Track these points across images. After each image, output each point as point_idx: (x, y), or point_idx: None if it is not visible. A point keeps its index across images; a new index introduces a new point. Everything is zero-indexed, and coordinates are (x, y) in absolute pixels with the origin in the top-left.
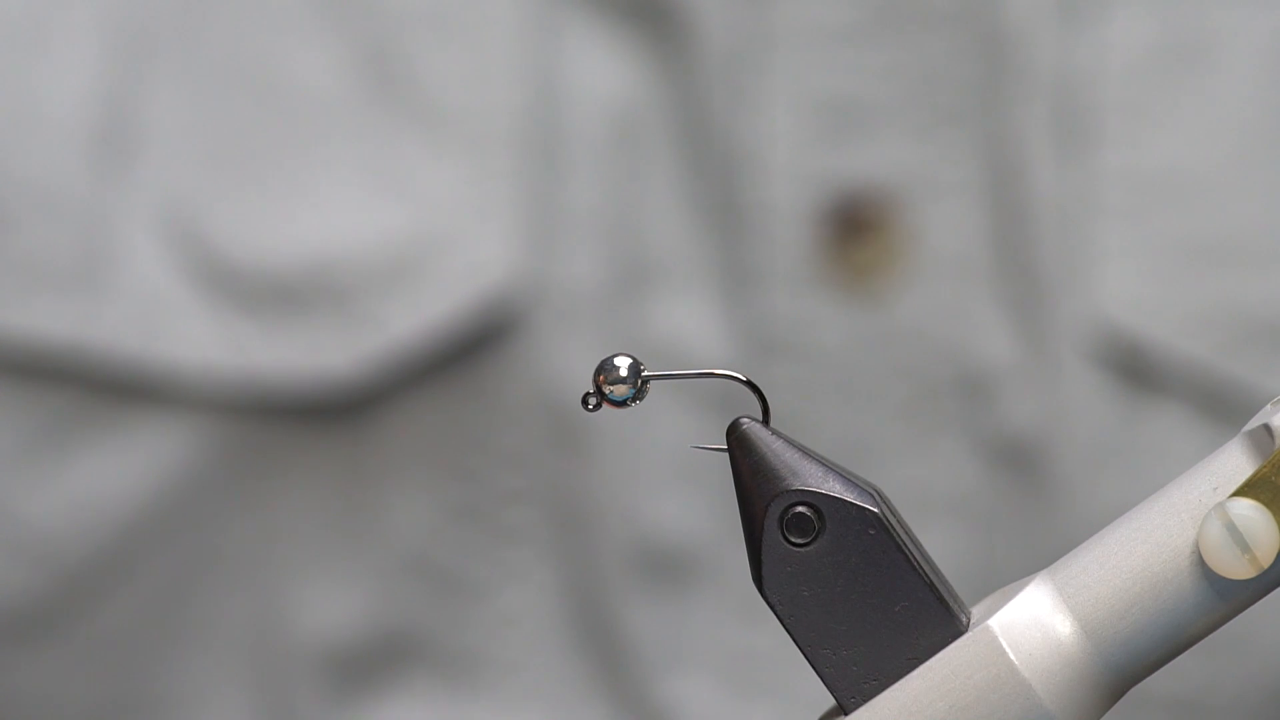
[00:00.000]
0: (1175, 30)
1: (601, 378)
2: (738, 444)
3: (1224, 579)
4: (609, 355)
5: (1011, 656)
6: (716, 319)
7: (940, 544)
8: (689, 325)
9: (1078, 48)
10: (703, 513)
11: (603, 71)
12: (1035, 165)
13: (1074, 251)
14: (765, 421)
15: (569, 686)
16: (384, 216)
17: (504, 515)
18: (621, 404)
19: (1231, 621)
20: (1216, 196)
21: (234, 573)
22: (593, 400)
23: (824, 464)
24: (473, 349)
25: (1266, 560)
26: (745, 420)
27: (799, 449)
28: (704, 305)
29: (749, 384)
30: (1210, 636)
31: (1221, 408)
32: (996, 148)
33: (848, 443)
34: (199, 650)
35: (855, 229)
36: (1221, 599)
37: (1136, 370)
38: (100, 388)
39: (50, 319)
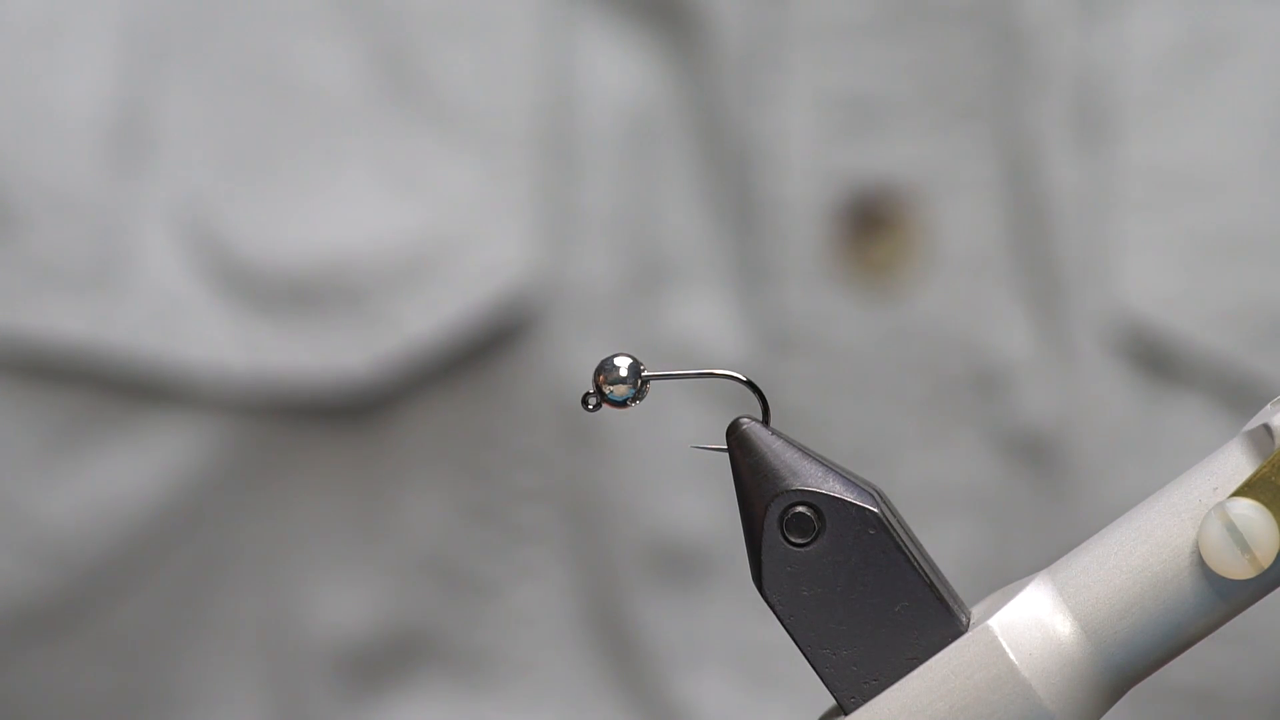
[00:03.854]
0: (1196, 26)
1: (601, 378)
2: (738, 444)
3: (1224, 579)
4: (609, 355)
5: (1011, 656)
6: (732, 316)
7: (956, 539)
8: (704, 322)
9: (1098, 43)
10: (717, 510)
11: (618, 70)
12: (1052, 160)
13: (1094, 245)
14: (765, 421)
15: (583, 684)
16: (399, 216)
17: (518, 514)
18: (621, 404)
19: (1252, 612)
20: (1238, 192)
21: (248, 572)
22: (592, 400)
23: (824, 464)
24: (488, 348)
25: (1266, 560)
26: (745, 420)
27: (799, 449)
28: (719, 302)
29: (749, 384)
30: (1230, 626)
31: (1243, 401)
32: (1013, 143)
33: (863, 439)
34: (213, 648)
35: (871, 225)
36: (1221, 599)
37: (1158, 363)
38: (115, 388)
39: (65, 319)
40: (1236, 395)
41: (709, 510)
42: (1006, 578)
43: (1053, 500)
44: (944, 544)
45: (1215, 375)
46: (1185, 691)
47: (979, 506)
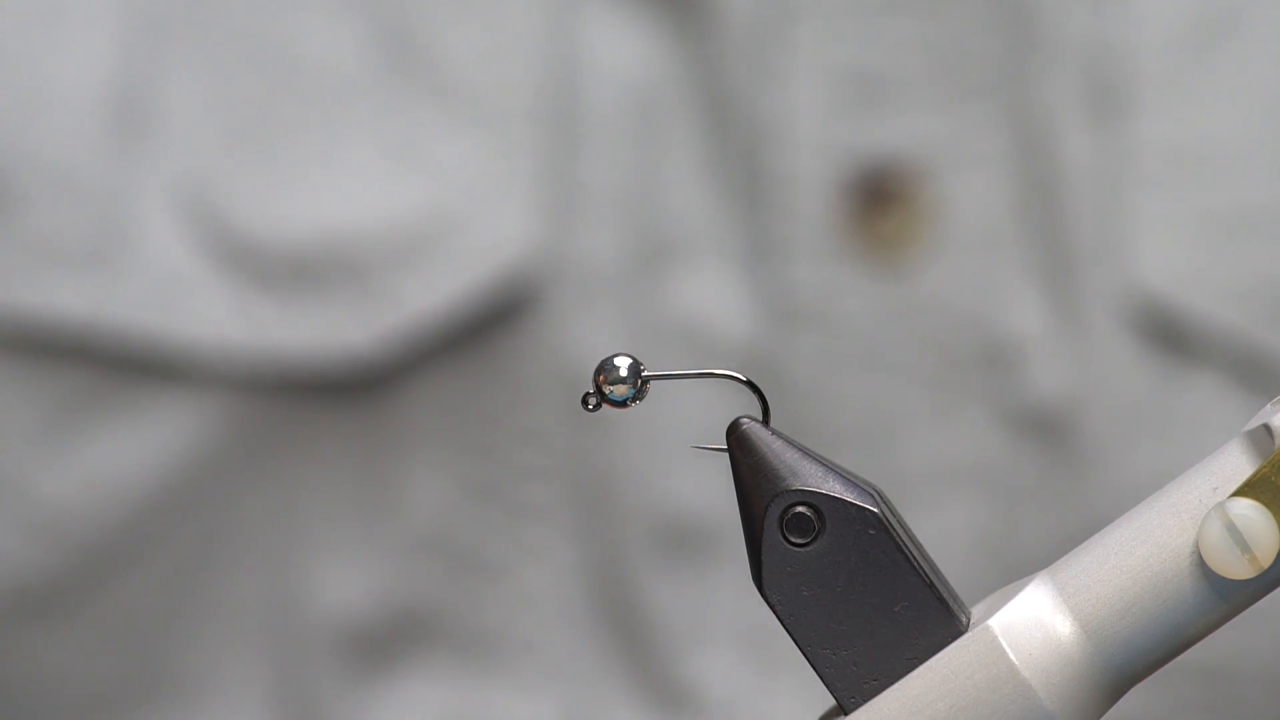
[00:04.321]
0: (1210, 1)
1: (601, 378)
2: (738, 444)
3: (1224, 579)
4: (609, 355)
5: (1011, 656)
6: (739, 291)
7: (965, 516)
8: (711, 298)
9: (1110, 18)
10: (722, 488)
11: (623, 45)
12: (1064, 136)
13: (1107, 221)
14: (765, 421)
15: (588, 665)
16: (402, 193)
17: (522, 492)
18: (621, 404)
19: None
20: (1252, 168)
21: (251, 550)
22: (592, 400)
23: (824, 464)
24: (491, 325)
25: (1266, 560)
26: (745, 420)
27: (799, 449)
28: (727, 278)
29: (749, 384)
30: None
31: (1257, 376)
32: (1024, 119)
33: (872, 415)
34: (215, 627)
35: (880, 200)
36: (1221, 599)
37: (1171, 338)
38: (117, 365)
39: (67, 296)
40: (1250, 372)
41: (714, 488)
42: (1016, 555)
43: (1064, 477)
44: (953, 521)
45: (1229, 351)
46: (1196, 669)
47: (989, 483)
